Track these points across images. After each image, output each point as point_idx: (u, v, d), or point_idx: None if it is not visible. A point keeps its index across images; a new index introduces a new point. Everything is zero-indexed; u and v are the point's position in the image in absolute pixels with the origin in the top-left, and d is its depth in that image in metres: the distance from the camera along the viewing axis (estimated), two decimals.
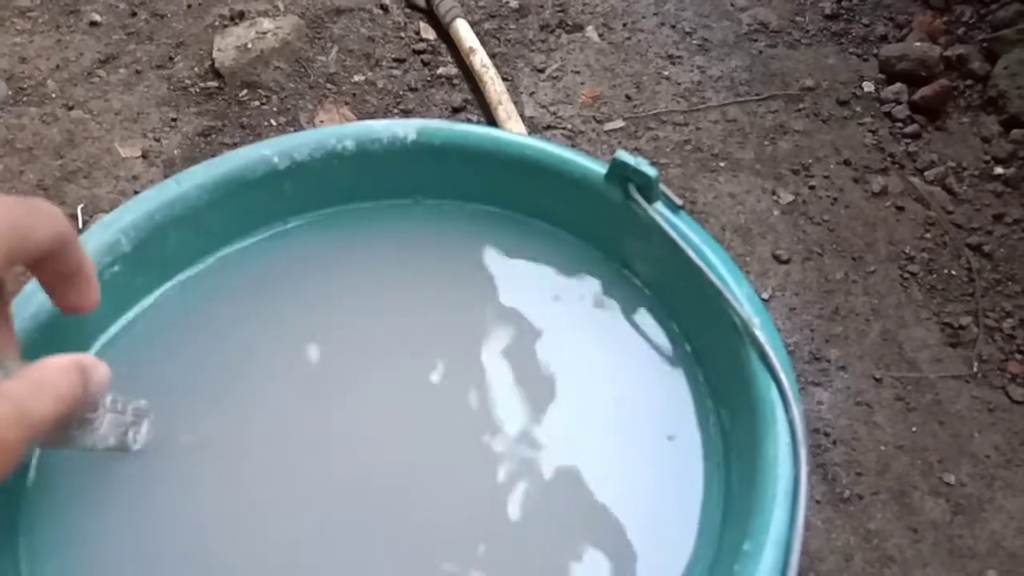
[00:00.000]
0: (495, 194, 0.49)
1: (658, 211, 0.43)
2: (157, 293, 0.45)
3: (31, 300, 0.39)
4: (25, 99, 0.94)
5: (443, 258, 0.47)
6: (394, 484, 0.38)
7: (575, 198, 0.46)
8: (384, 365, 0.43)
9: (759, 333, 0.39)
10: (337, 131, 0.48)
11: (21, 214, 0.29)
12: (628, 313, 0.45)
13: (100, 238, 0.42)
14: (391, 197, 0.50)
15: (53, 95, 0.95)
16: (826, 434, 0.71)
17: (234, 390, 0.41)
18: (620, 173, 0.44)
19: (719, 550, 0.35)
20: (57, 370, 0.29)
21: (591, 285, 0.46)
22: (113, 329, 0.44)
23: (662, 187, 0.44)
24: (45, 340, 0.38)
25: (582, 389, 0.42)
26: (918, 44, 1.04)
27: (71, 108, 0.94)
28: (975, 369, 0.76)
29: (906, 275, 0.84)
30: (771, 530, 0.32)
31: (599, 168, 0.45)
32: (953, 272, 0.84)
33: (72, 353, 0.31)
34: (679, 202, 0.44)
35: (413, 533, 0.37)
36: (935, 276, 0.84)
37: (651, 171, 0.43)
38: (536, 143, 0.47)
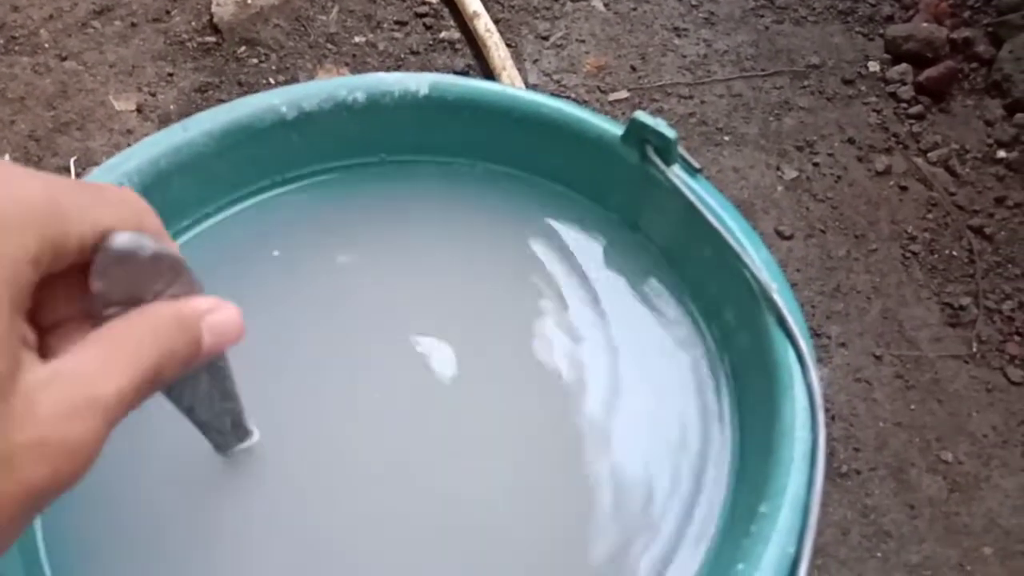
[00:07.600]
0: (507, 154, 0.48)
1: (676, 174, 0.43)
2: None
3: None
4: (17, 48, 0.92)
5: (452, 219, 0.46)
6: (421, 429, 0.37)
7: (590, 159, 0.45)
8: (388, 320, 0.42)
9: (777, 297, 0.38)
10: (348, 82, 0.47)
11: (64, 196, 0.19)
12: (640, 275, 0.44)
13: (103, 181, 0.40)
14: (400, 153, 0.49)
15: (46, 45, 0.93)
16: (825, 410, 0.71)
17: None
18: (638, 134, 0.43)
19: (733, 513, 0.35)
20: (153, 327, 0.20)
21: (603, 247, 0.45)
22: None
23: (680, 150, 0.43)
24: None
25: (594, 351, 0.41)
26: (924, 25, 1.03)
27: (64, 59, 0.92)
28: (974, 349, 0.77)
29: (908, 254, 0.84)
30: (788, 492, 0.32)
31: (616, 129, 0.44)
32: (954, 253, 0.84)
33: (187, 298, 0.23)
34: (697, 166, 0.44)
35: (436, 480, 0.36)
36: (936, 256, 0.84)
37: (670, 132, 0.42)
38: (552, 101, 0.46)
